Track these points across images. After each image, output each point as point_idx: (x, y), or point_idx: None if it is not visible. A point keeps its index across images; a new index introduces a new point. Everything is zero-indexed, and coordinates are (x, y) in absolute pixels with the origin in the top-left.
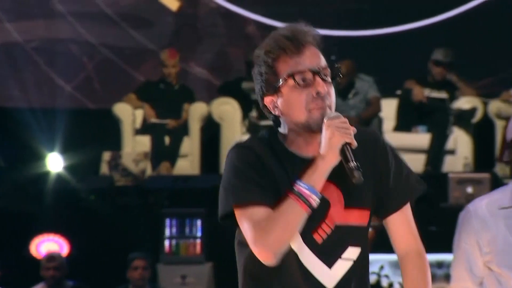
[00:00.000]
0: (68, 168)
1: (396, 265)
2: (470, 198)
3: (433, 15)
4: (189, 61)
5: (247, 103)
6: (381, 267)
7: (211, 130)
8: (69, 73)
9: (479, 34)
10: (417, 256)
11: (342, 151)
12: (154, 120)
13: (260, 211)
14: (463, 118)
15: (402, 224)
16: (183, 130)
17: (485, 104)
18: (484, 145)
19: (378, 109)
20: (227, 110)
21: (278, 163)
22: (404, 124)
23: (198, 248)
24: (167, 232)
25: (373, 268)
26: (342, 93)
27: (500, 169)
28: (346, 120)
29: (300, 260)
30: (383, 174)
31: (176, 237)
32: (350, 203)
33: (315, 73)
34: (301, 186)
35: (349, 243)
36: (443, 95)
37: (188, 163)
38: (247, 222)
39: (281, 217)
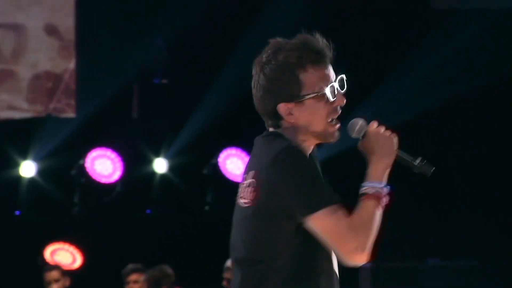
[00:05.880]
0: None
1: None
2: None
3: None
4: None
5: None
6: None
7: None
8: None
9: None
10: None
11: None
12: None
13: (345, 213)
14: None
15: None
16: None
17: None
18: None
19: None
20: None
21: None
22: None
23: None
24: None
25: None
26: None
27: None
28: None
29: (333, 265)
30: None
31: None
32: None
33: (342, 87)
34: (380, 186)
35: None
36: None
37: None
38: (338, 224)
39: (376, 220)
